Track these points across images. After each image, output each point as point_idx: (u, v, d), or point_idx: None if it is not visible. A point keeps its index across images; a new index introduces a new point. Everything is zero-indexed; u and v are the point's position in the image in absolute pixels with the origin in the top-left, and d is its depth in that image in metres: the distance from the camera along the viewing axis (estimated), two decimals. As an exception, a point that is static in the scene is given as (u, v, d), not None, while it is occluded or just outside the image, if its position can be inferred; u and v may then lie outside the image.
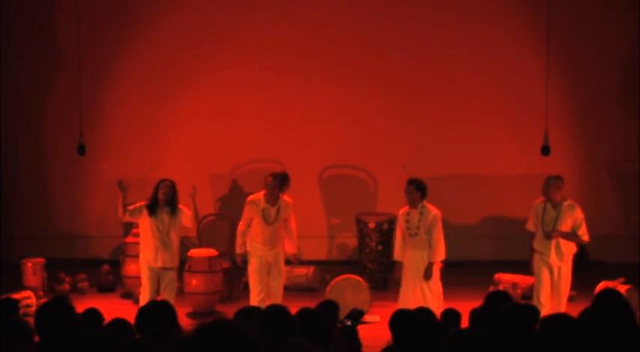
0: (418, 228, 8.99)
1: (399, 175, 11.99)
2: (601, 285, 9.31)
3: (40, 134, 12.72)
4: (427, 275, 8.97)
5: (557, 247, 8.96)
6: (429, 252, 8.98)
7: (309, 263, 11.53)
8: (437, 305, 8.59)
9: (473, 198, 12.49)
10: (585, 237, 9.01)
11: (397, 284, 9.29)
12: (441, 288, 9.14)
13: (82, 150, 10.42)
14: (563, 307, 8.90)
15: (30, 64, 12.62)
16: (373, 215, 11.70)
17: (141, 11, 12.56)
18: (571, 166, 12.45)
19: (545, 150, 10.07)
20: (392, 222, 10.79)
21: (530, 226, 9.23)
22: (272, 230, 9.27)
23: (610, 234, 12.37)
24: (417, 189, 9.02)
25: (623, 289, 9.27)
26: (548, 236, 8.94)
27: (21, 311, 8.97)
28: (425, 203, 9.06)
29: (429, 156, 12.48)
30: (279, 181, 9.21)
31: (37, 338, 4.88)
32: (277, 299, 9.25)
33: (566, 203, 8.99)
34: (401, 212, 9.21)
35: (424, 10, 12.43)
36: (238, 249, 9.42)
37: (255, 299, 9.28)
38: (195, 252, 10.49)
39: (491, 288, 10.20)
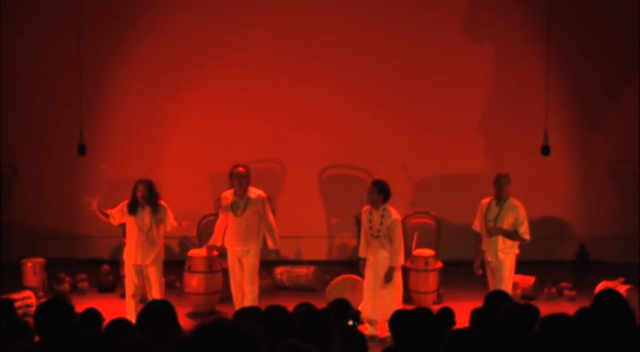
0: (379, 230, 8.97)
1: (399, 175, 11.99)
2: (601, 285, 9.30)
3: (40, 134, 12.72)
4: (387, 278, 8.97)
5: (496, 244, 8.98)
6: (388, 255, 8.97)
7: (309, 263, 11.50)
8: (395, 308, 8.53)
9: (472, 198, 12.44)
10: (526, 236, 9.00)
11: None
12: (401, 291, 9.17)
13: (82, 150, 10.41)
14: None
15: (30, 63, 12.61)
16: (373, 215, 11.66)
17: (141, 11, 12.55)
18: (571, 166, 12.46)
19: (545, 150, 10.07)
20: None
21: (475, 225, 9.27)
22: (241, 222, 9.37)
23: (610, 234, 12.37)
24: (379, 192, 8.99)
25: (623, 289, 9.26)
26: (490, 232, 8.97)
27: (21, 311, 8.97)
28: (387, 206, 9.02)
29: (429, 156, 12.48)
30: (242, 177, 9.36)
31: (37, 338, 4.88)
32: (246, 295, 9.38)
33: (509, 200, 9.04)
34: (364, 209, 9.17)
35: (424, 11, 12.42)
36: (211, 241, 9.64)
37: (233, 295, 9.53)
38: (195, 252, 10.49)
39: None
